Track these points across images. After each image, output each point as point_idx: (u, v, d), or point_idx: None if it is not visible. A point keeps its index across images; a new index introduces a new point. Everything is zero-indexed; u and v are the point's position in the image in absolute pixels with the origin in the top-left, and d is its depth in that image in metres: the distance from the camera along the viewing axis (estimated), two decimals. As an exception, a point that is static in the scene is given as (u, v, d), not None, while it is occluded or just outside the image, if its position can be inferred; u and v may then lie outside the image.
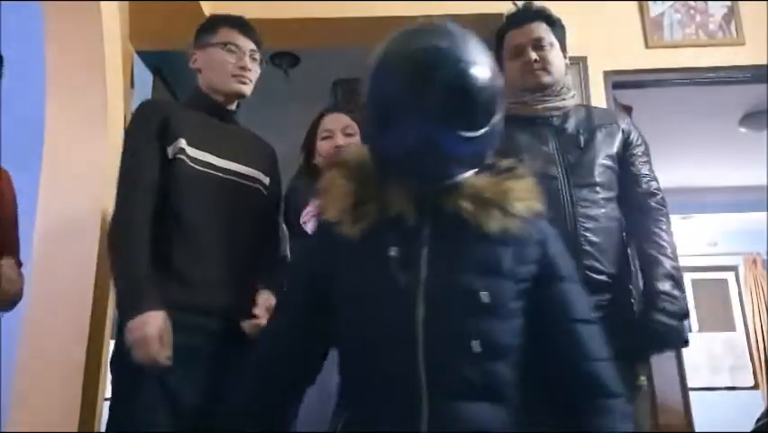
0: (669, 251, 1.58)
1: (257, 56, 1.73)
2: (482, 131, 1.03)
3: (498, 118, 1.07)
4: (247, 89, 1.71)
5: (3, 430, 2.08)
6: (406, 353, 0.98)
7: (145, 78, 2.78)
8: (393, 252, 1.04)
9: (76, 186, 2.15)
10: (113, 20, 2.42)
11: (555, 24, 1.72)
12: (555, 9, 1.77)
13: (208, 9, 2.66)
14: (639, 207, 1.65)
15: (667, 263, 1.56)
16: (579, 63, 2.71)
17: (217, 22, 1.73)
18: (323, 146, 1.95)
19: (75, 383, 2.06)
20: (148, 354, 1.36)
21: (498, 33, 1.77)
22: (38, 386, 2.09)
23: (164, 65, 3.07)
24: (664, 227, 1.62)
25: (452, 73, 1.00)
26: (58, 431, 1.96)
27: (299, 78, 3.38)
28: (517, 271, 1.06)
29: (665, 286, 1.54)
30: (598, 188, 1.59)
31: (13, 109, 2.32)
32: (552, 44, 1.69)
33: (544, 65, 1.66)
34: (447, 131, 1.00)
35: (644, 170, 1.67)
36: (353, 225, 1.08)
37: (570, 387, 1.06)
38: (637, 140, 1.69)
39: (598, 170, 1.60)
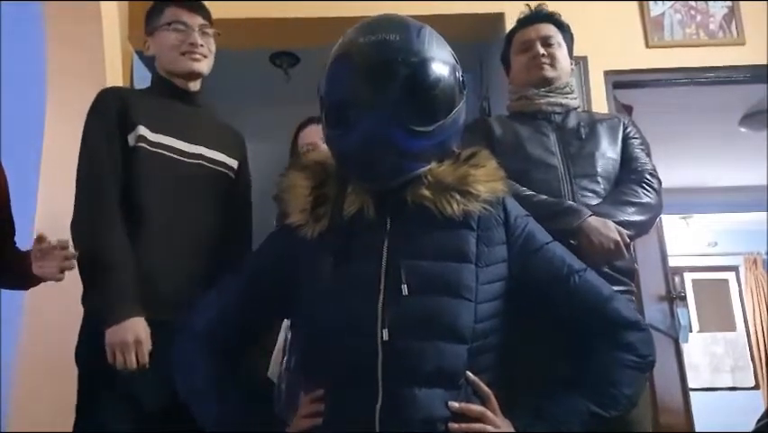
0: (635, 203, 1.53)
1: (208, 30, 1.67)
2: (435, 125, 1.03)
3: (456, 111, 1.06)
4: (200, 66, 1.64)
5: (3, 430, 2.08)
6: (366, 340, 0.97)
7: (145, 78, 2.77)
8: (353, 246, 1.03)
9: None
10: (113, 20, 2.42)
11: (564, 29, 1.75)
12: (556, 9, 1.78)
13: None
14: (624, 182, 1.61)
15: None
16: (579, 63, 2.71)
17: (163, 4, 1.67)
18: None
19: (75, 383, 2.06)
20: (123, 362, 1.36)
21: (507, 34, 1.81)
22: (38, 386, 2.09)
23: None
24: (639, 190, 1.56)
25: (403, 67, 0.99)
26: (58, 431, 1.96)
27: (299, 78, 3.38)
28: (484, 254, 1.04)
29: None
30: (599, 179, 1.57)
31: (13, 109, 2.32)
32: (560, 44, 1.71)
33: (551, 60, 1.68)
34: (398, 125, 1.00)
35: (641, 157, 1.65)
36: (315, 226, 1.07)
37: (594, 332, 1.06)
38: (635, 133, 1.70)
39: (599, 162, 1.59)
